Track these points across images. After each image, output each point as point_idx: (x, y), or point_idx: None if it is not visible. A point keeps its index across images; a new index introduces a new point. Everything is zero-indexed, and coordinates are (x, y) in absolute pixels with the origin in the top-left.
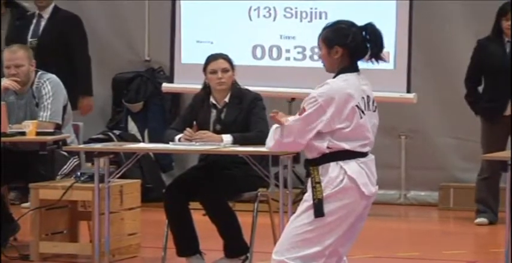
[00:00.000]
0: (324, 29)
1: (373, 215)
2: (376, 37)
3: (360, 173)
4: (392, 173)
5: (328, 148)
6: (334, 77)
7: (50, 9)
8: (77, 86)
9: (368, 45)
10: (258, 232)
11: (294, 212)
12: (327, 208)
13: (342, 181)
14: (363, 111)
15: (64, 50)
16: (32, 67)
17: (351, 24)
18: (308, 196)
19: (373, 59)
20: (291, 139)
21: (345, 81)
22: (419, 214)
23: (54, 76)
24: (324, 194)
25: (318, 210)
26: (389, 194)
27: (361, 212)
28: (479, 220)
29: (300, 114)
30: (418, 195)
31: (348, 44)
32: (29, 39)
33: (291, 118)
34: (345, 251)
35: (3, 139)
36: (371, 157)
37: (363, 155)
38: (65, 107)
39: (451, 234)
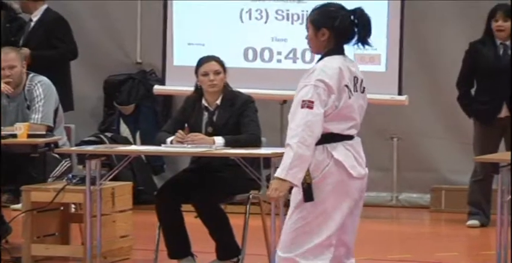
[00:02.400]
0: (313, 10)
1: (364, 217)
2: (364, 21)
3: (347, 156)
4: (384, 175)
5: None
6: (320, 59)
7: (40, 11)
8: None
9: (356, 29)
10: (249, 234)
11: (285, 215)
12: (318, 194)
13: (328, 164)
14: (351, 92)
15: (48, 47)
16: (23, 69)
17: (340, 7)
18: (297, 190)
19: (359, 44)
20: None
21: (331, 62)
22: (411, 216)
23: (45, 78)
24: (313, 180)
25: (307, 195)
26: (381, 196)
27: (356, 196)
28: (470, 222)
29: (310, 108)
30: (410, 197)
31: (336, 27)
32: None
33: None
34: (350, 240)
35: None
36: (357, 139)
37: (350, 138)
38: (56, 110)
39: (442, 236)
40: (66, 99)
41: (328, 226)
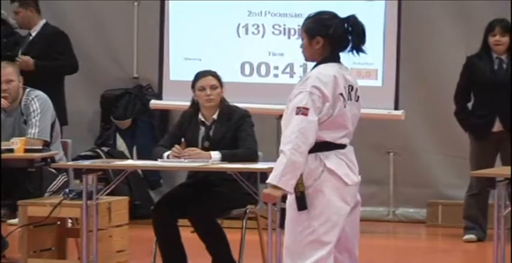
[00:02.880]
0: (307, 19)
1: (361, 232)
2: (358, 29)
3: (340, 164)
4: (381, 189)
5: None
6: (314, 67)
7: (39, 26)
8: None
9: (350, 37)
10: (246, 249)
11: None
12: (317, 204)
13: (322, 172)
14: (345, 100)
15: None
16: (20, 83)
17: (333, 15)
18: (293, 199)
19: (354, 51)
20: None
21: (326, 70)
22: (408, 231)
23: (42, 93)
24: (307, 187)
25: (301, 203)
26: (377, 211)
27: (352, 203)
28: (467, 236)
29: (304, 115)
30: (407, 212)
31: (330, 35)
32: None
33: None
34: (352, 246)
35: None
36: (350, 148)
37: (342, 147)
38: (53, 124)
39: (439, 251)
40: (60, 114)
41: (333, 234)
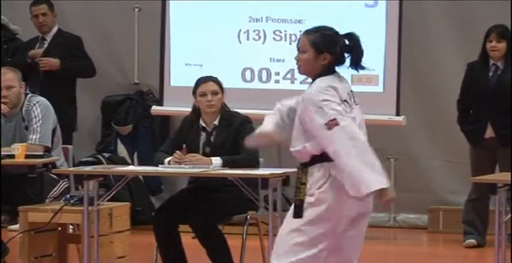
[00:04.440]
0: (308, 32)
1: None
2: (358, 46)
3: None
4: (382, 195)
5: (321, 149)
6: (313, 80)
7: (53, 32)
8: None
9: (348, 53)
10: (247, 255)
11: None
12: (315, 210)
13: (326, 181)
14: (350, 106)
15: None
16: (21, 89)
17: (336, 32)
18: (306, 205)
19: (355, 67)
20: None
21: (323, 83)
22: (409, 237)
23: (43, 99)
24: (309, 196)
25: (297, 212)
26: (378, 217)
27: (353, 214)
28: (468, 241)
29: (336, 125)
30: (408, 218)
31: (336, 52)
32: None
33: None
34: (350, 256)
35: None
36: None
37: None
38: (54, 130)
39: (440, 257)
40: (72, 120)
41: (322, 241)
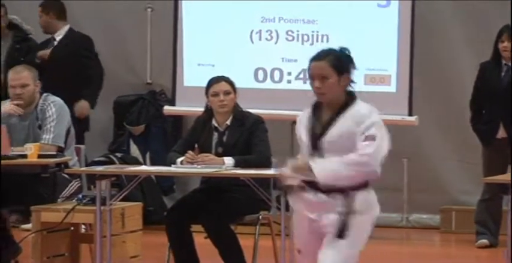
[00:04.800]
0: (322, 57)
1: (375, 238)
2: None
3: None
4: (394, 196)
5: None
6: (350, 103)
7: (63, 31)
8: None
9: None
10: (259, 255)
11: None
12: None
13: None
14: None
15: (74, 67)
16: (37, 88)
17: (344, 50)
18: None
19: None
20: (374, 164)
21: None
22: (421, 237)
23: (59, 99)
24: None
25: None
26: (391, 217)
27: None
28: (480, 241)
29: (372, 139)
30: (420, 218)
31: (352, 71)
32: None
33: (362, 147)
34: None
35: (4, 162)
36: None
37: None
38: (68, 130)
39: (452, 257)
40: (84, 120)
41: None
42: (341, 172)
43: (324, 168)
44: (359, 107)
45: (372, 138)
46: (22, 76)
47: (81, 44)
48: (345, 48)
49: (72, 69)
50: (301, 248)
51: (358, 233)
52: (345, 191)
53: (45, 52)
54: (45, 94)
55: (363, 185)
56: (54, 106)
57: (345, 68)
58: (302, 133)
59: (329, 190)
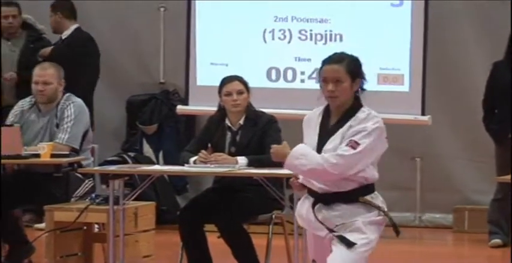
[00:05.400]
0: (336, 61)
1: (387, 237)
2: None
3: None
4: (407, 195)
5: (375, 177)
6: (357, 109)
7: (70, 31)
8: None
9: None
10: (272, 255)
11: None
12: (379, 232)
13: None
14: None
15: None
16: (60, 87)
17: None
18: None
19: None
20: (338, 172)
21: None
22: (434, 237)
23: (80, 100)
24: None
25: (396, 228)
26: (404, 217)
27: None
28: (493, 241)
29: (353, 148)
30: (433, 217)
31: (364, 76)
32: None
33: (340, 151)
34: None
35: (17, 161)
36: None
37: None
38: (85, 133)
39: (465, 257)
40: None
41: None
42: (305, 165)
43: (297, 157)
44: (361, 113)
45: (354, 145)
46: (47, 73)
47: (82, 45)
48: (348, 54)
49: (69, 70)
50: (315, 258)
51: (363, 236)
52: (343, 197)
53: (46, 50)
54: (67, 94)
55: (362, 191)
56: (73, 107)
57: (358, 74)
58: (308, 135)
59: (327, 198)
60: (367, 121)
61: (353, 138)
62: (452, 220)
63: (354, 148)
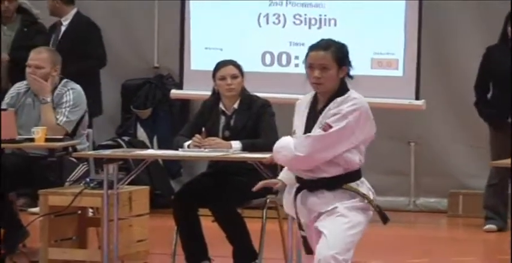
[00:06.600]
0: (323, 47)
1: (381, 221)
2: None
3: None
4: (402, 180)
5: (359, 161)
6: (341, 94)
7: (71, 15)
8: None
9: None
10: (266, 239)
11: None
12: (365, 216)
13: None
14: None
15: (82, 55)
16: (54, 72)
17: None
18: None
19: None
20: (305, 153)
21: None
22: (429, 221)
23: (78, 87)
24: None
25: (384, 216)
26: (398, 201)
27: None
28: (487, 226)
29: (324, 130)
30: (428, 202)
31: (350, 63)
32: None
33: (313, 133)
34: None
35: (11, 145)
36: None
37: None
38: (81, 118)
39: (459, 241)
40: (96, 104)
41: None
42: (286, 155)
43: (278, 151)
44: (342, 96)
45: (326, 127)
46: (39, 57)
47: (87, 31)
48: (336, 41)
49: (78, 56)
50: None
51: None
52: (327, 184)
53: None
54: (65, 80)
55: (347, 177)
56: (72, 93)
57: (345, 61)
58: (297, 120)
59: (312, 185)
60: (344, 103)
61: (328, 120)
62: (447, 205)
63: (325, 131)
